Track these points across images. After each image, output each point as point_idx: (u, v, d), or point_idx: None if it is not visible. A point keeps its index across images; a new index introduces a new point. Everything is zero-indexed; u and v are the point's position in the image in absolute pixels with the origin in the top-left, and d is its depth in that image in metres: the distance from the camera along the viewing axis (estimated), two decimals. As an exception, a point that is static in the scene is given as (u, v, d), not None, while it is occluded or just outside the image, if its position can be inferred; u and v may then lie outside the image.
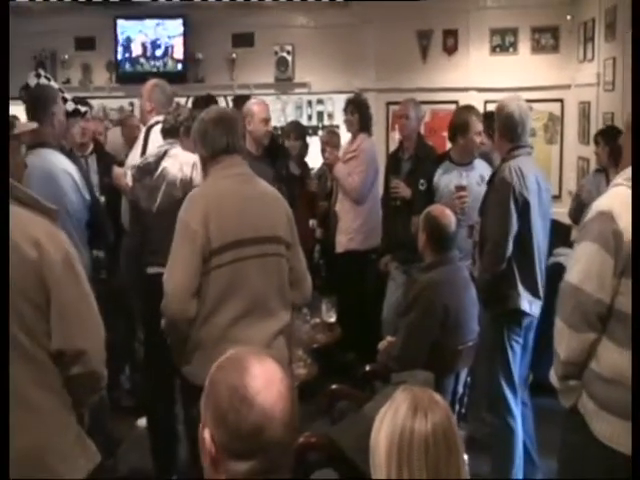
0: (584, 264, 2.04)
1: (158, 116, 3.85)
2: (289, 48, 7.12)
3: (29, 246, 1.84)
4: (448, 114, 6.46)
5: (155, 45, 7.37)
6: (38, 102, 3.35)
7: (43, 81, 4.05)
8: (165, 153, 3.47)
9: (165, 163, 3.43)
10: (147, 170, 3.44)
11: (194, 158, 3.35)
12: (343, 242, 5.02)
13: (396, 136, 5.85)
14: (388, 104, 6.77)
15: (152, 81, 4.08)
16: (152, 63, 7.38)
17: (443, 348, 3.14)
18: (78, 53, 7.53)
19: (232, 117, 2.77)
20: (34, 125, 2.37)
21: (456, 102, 6.32)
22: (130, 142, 5.17)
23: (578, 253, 2.11)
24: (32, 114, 3.28)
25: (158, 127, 3.68)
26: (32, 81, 4.03)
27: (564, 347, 2.08)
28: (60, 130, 3.44)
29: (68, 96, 4.20)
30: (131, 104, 7.34)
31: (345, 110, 5.10)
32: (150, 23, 7.36)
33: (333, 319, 3.91)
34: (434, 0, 6.49)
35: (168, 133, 3.53)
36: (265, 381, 1.28)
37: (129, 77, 7.33)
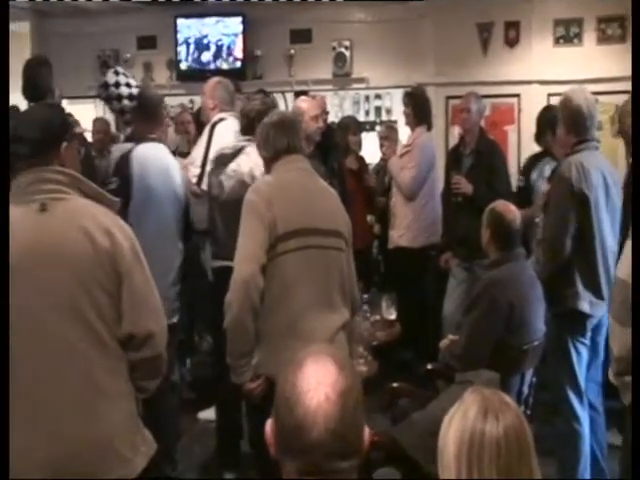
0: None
1: (221, 113, 3.89)
2: (347, 43, 7.08)
3: (102, 235, 1.92)
4: (509, 108, 6.39)
5: (214, 43, 7.44)
6: (150, 102, 3.53)
7: (122, 78, 4.13)
8: (242, 149, 3.52)
9: (239, 159, 3.50)
10: (222, 161, 3.53)
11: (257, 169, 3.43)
12: (394, 238, 4.99)
13: (456, 131, 5.78)
14: (448, 98, 6.67)
15: (215, 79, 4.13)
16: (211, 61, 7.46)
17: (508, 347, 3.07)
18: (140, 52, 7.66)
19: (292, 119, 2.84)
20: (85, 129, 2.47)
21: (518, 95, 6.18)
22: (181, 137, 5.24)
23: (627, 248, 2.07)
24: (144, 114, 3.44)
25: (222, 124, 3.73)
26: (111, 79, 4.11)
27: (616, 343, 2.07)
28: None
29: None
30: (191, 101, 7.43)
31: (403, 102, 5.06)
32: (209, 21, 7.43)
33: (393, 316, 3.87)
34: (495, -8, 6.37)
35: (245, 128, 3.57)
36: (314, 382, 1.25)
37: (189, 75, 7.43)
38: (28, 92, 3.77)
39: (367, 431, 1.32)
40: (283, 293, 2.51)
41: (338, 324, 2.60)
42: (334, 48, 7.10)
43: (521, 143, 6.27)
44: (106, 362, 1.93)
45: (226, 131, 3.83)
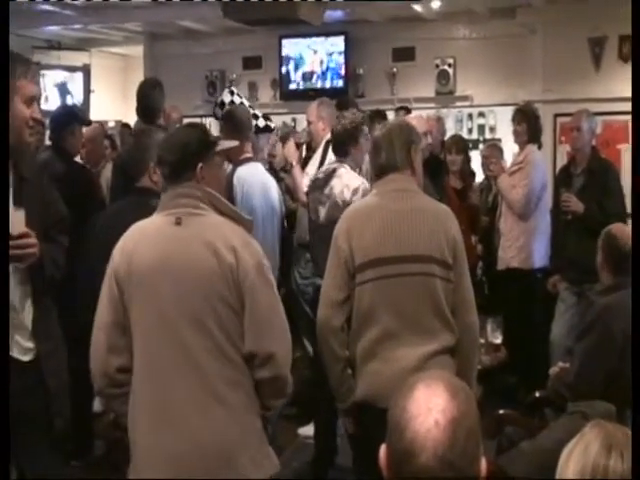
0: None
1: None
2: (450, 61, 7.01)
3: (228, 252, 1.97)
4: (623, 125, 6.11)
5: (317, 62, 7.54)
6: (241, 120, 3.62)
7: (236, 98, 4.26)
8: (333, 172, 3.55)
9: (332, 182, 3.53)
10: (317, 185, 3.56)
11: (358, 183, 3.44)
12: (505, 259, 4.83)
13: (565, 149, 5.57)
14: (556, 116, 6.46)
15: (317, 100, 4.16)
16: (314, 80, 7.55)
17: (623, 378, 2.89)
18: (245, 72, 7.87)
19: (391, 135, 2.70)
20: (236, 143, 2.53)
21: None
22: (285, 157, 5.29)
23: None
24: (236, 132, 3.53)
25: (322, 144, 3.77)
26: (226, 98, 4.26)
27: None
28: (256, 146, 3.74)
29: (259, 113, 4.37)
30: (293, 120, 7.54)
31: (513, 120, 4.91)
32: (313, 41, 7.54)
33: (499, 340, 3.74)
34: (608, 5, 6.12)
35: (336, 149, 3.59)
36: (425, 407, 1.22)
37: (292, 94, 7.55)
38: (140, 112, 3.92)
39: (484, 462, 1.26)
40: (363, 322, 2.50)
41: (430, 350, 2.50)
42: (437, 65, 7.03)
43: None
44: (228, 375, 1.97)
45: None
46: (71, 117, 4.12)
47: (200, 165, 2.07)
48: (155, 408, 1.97)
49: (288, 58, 7.62)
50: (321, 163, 3.92)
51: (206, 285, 1.96)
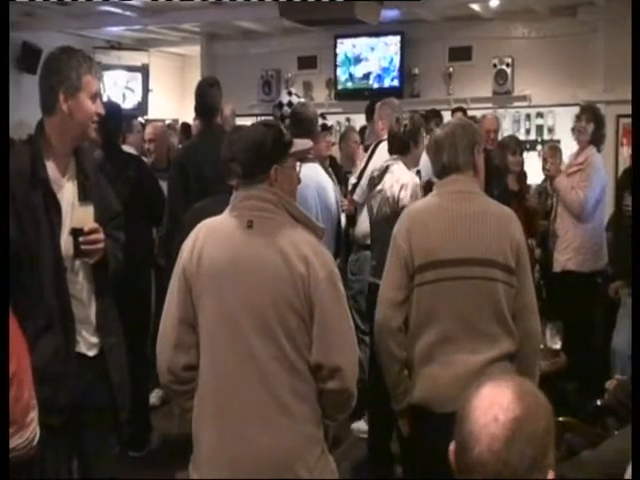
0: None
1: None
2: (508, 60, 6.89)
3: (299, 260, 1.92)
4: (689, 127, 5.90)
5: (373, 62, 7.51)
6: (310, 120, 3.60)
7: (294, 99, 4.27)
8: (387, 168, 3.54)
9: (385, 178, 3.53)
10: (372, 183, 3.58)
11: (407, 179, 3.45)
12: (561, 261, 4.71)
13: (626, 152, 5.42)
14: (618, 117, 6.29)
15: (382, 101, 4.13)
16: (369, 80, 7.52)
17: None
18: (300, 72, 7.90)
19: (459, 134, 2.65)
20: (311, 143, 2.48)
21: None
22: (346, 156, 5.29)
23: None
24: (304, 131, 3.52)
25: (384, 143, 3.73)
26: (284, 99, 4.27)
27: None
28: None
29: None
30: (348, 119, 7.53)
31: (579, 117, 4.76)
32: (368, 41, 7.51)
33: (558, 346, 3.65)
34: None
35: (395, 148, 3.57)
36: (487, 402, 1.22)
37: (347, 94, 7.54)
38: (199, 110, 3.95)
39: (551, 474, 1.23)
40: (421, 323, 2.45)
41: (491, 356, 2.44)
42: (495, 65, 6.93)
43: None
44: (292, 384, 1.93)
45: (384, 150, 3.85)
46: (119, 112, 4.16)
47: (275, 167, 2.02)
48: (219, 410, 1.96)
49: (343, 58, 7.61)
50: (367, 160, 3.92)
51: (276, 292, 1.92)
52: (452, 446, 1.28)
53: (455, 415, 2.28)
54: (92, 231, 2.23)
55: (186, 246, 2.06)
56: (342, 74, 7.63)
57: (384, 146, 3.83)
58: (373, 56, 7.49)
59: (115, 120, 3.86)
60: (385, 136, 3.92)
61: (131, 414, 2.53)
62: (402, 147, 3.58)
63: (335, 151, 5.83)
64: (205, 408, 1.99)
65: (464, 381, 2.31)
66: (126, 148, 4.28)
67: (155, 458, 3.80)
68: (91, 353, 2.34)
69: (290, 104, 4.26)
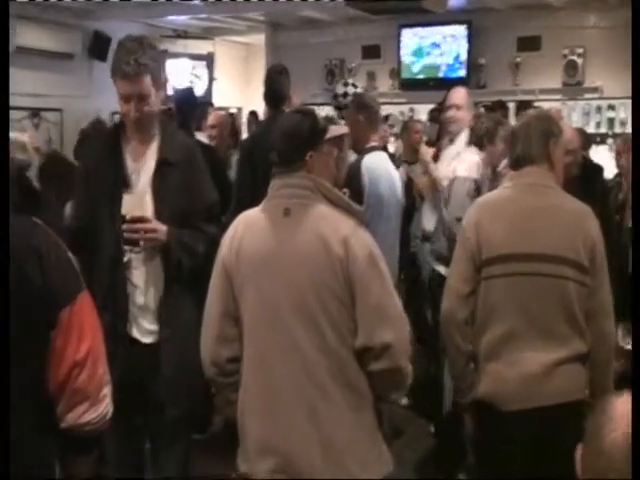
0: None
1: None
2: (580, 51, 6.70)
3: (337, 243, 1.91)
4: None
5: (438, 51, 7.41)
6: (370, 108, 3.59)
7: (350, 89, 4.25)
8: (457, 155, 3.53)
9: (453, 163, 3.57)
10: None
11: (469, 157, 3.44)
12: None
13: None
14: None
15: (464, 89, 4.02)
16: (434, 70, 7.42)
17: None
18: (364, 61, 7.86)
19: (534, 125, 2.57)
20: (346, 129, 2.45)
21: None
22: (408, 146, 5.23)
23: None
24: (364, 119, 3.51)
25: (465, 133, 3.68)
26: (340, 89, 4.25)
27: None
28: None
29: None
30: (411, 110, 7.45)
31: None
32: (434, 30, 7.41)
33: (629, 346, 3.54)
34: None
35: (472, 144, 3.54)
36: (620, 412, 1.18)
37: (411, 83, 7.46)
38: (268, 98, 3.96)
39: None
40: (487, 318, 2.39)
41: (560, 356, 2.36)
42: (565, 56, 6.75)
43: None
44: (337, 372, 1.92)
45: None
46: (195, 99, 4.22)
47: (310, 154, 2.00)
48: (264, 401, 1.96)
49: (407, 47, 7.53)
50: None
51: (316, 279, 1.90)
52: (579, 453, 1.24)
53: (521, 414, 2.25)
54: (134, 219, 2.23)
55: (225, 239, 2.06)
56: (406, 64, 7.55)
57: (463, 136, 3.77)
58: (438, 46, 7.39)
59: (189, 106, 3.91)
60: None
61: (197, 397, 2.54)
62: (477, 143, 3.55)
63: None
64: (250, 400, 1.98)
65: (531, 380, 2.26)
66: (200, 135, 4.33)
67: (218, 441, 3.84)
68: (146, 340, 2.35)
69: (346, 95, 4.24)
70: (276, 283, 1.94)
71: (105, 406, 1.54)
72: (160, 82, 2.28)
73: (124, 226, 2.24)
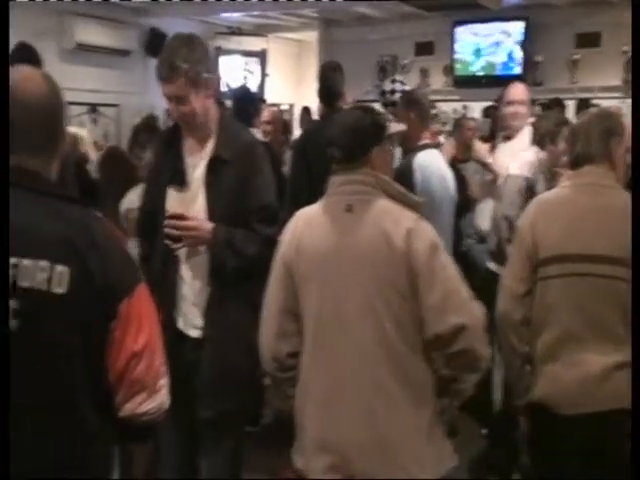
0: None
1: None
2: (641, 47, 6.51)
3: (400, 238, 1.90)
4: None
5: (493, 48, 7.30)
6: (421, 105, 3.56)
7: (397, 86, 4.22)
8: (516, 152, 3.49)
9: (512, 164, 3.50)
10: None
11: (526, 155, 3.38)
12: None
13: None
14: None
15: (522, 85, 3.94)
16: (489, 67, 7.32)
17: None
18: (417, 58, 7.80)
19: (595, 123, 2.52)
20: (404, 127, 2.44)
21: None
22: (461, 144, 5.16)
23: None
24: (416, 117, 3.49)
25: (527, 131, 3.63)
26: (387, 86, 4.23)
27: None
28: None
29: None
30: (464, 107, 7.37)
31: None
32: (489, 27, 7.30)
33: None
34: None
35: (534, 142, 3.49)
36: None
37: (465, 81, 7.37)
38: (322, 95, 3.97)
39: None
40: (544, 319, 2.35)
41: (620, 360, 2.29)
42: (625, 52, 6.56)
43: None
44: (397, 370, 1.91)
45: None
46: (252, 97, 4.26)
47: (373, 150, 2.00)
48: (322, 397, 1.96)
49: (462, 44, 7.44)
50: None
51: (378, 274, 1.90)
52: None
53: (578, 417, 2.20)
54: (175, 216, 2.25)
55: (285, 235, 2.06)
56: (460, 61, 7.46)
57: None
58: (494, 43, 7.28)
59: (246, 103, 3.96)
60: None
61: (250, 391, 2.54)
62: (539, 142, 3.49)
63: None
64: (309, 395, 1.98)
65: (590, 383, 2.21)
66: (254, 131, 4.36)
67: (269, 433, 3.88)
68: (193, 333, 2.35)
69: (393, 92, 4.21)
70: (338, 279, 1.94)
71: (162, 397, 1.56)
72: (200, 82, 2.24)
73: (165, 222, 2.26)
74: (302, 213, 2.09)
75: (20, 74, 1.52)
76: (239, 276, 2.31)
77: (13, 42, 4.37)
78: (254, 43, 8.39)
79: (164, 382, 1.57)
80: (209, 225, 2.28)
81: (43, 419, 1.44)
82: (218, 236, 2.27)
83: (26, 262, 1.41)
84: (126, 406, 1.51)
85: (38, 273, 1.41)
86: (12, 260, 1.41)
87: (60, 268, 1.41)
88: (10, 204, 1.44)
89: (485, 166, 3.81)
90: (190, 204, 2.32)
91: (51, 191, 1.50)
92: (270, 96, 7.86)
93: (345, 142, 2.01)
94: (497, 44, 7.26)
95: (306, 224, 2.03)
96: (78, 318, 1.44)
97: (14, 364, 1.40)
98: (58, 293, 1.41)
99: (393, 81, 4.43)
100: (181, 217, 2.25)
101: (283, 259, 2.03)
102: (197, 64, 2.24)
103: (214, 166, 2.30)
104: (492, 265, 3.52)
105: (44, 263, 1.41)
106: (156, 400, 1.54)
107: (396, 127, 2.17)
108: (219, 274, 2.31)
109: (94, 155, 4.06)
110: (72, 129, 3.67)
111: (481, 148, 4.02)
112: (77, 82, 6.08)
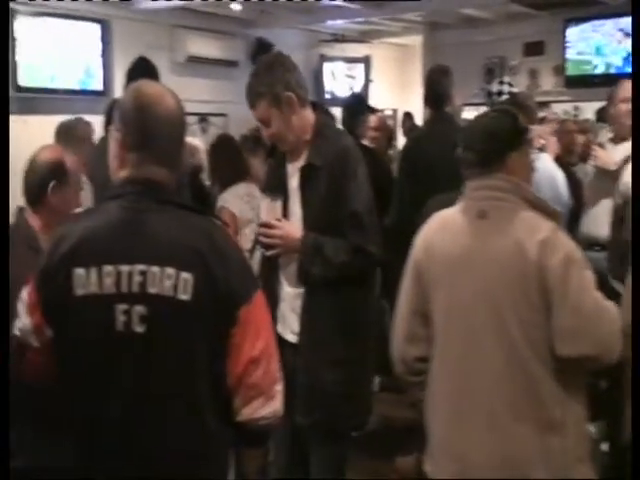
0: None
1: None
2: None
3: (534, 248, 1.81)
4: None
5: (609, 46, 6.99)
6: (529, 107, 3.46)
7: (505, 88, 4.12)
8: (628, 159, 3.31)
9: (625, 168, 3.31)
10: (614, 175, 3.34)
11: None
12: None
13: None
14: None
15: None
16: (602, 65, 7.01)
17: None
18: (526, 59, 7.58)
19: None
20: (542, 129, 2.37)
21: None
22: (565, 146, 4.95)
23: None
24: (523, 120, 3.39)
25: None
26: (494, 88, 4.13)
27: None
28: None
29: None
30: (576, 108, 7.09)
31: None
32: (602, 24, 6.99)
33: None
34: None
35: None
36: None
37: (577, 81, 7.09)
38: (429, 99, 3.91)
39: None
40: None
41: None
42: None
43: None
44: (525, 385, 1.81)
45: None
46: (362, 104, 4.27)
47: (511, 154, 1.93)
48: (449, 406, 1.92)
49: (574, 43, 7.16)
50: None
51: (510, 284, 1.82)
52: None
53: None
54: (264, 224, 2.32)
55: (418, 239, 2.04)
56: (572, 60, 7.18)
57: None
58: (609, 40, 6.96)
59: (356, 111, 3.99)
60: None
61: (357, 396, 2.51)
62: None
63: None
64: (436, 401, 1.96)
65: None
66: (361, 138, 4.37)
67: (374, 440, 3.86)
68: (291, 338, 2.36)
69: (500, 93, 4.10)
70: (468, 286, 1.89)
71: (277, 402, 1.58)
72: (280, 101, 2.26)
73: (258, 229, 2.38)
74: (437, 216, 2.05)
75: (152, 88, 1.59)
76: (327, 283, 2.30)
77: (129, 56, 4.61)
78: (358, 49, 8.41)
79: (279, 388, 1.59)
80: (297, 233, 2.30)
81: (167, 419, 1.48)
82: (306, 244, 2.28)
83: (154, 269, 1.46)
84: (243, 410, 1.54)
85: (165, 280, 1.46)
86: (141, 267, 1.46)
87: (185, 275, 1.46)
88: (136, 213, 1.50)
89: (605, 172, 3.62)
90: (288, 212, 2.36)
91: (174, 200, 1.55)
92: (373, 102, 7.85)
93: (482, 146, 1.95)
94: (614, 42, 6.93)
95: (439, 228, 2.00)
96: (201, 324, 1.48)
97: (140, 366, 1.46)
98: (183, 300, 1.46)
99: (501, 83, 4.32)
100: (270, 225, 2.31)
101: (415, 262, 2.01)
102: (275, 85, 2.26)
103: (307, 173, 2.32)
104: (615, 283, 3.30)
105: (171, 270, 1.46)
106: (272, 405, 1.56)
107: (537, 130, 2.08)
108: (307, 281, 2.33)
109: (206, 164, 4.20)
110: (188, 139, 3.79)
111: (598, 151, 3.82)
112: (187, 93, 6.23)
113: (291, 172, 2.38)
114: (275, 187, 2.40)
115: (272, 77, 2.28)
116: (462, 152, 2.00)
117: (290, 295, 2.37)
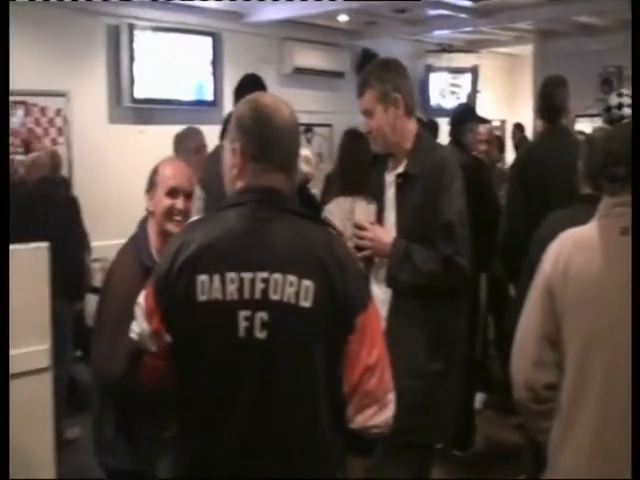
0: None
1: None
2: None
3: None
4: None
5: None
6: None
7: (625, 100, 3.90)
8: None
9: None
10: None
11: None
12: None
13: None
14: None
15: None
16: None
17: None
18: (647, 67, 7.21)
19: None
20: None
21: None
22: None
23: None
24: None
25: None
26: (613, 101, 3.92)
27: None
28: None
29: None
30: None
31: None
32: None
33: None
34: None
35: None
36: None
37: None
38: (544, 110, 3.77)
39: None
40: None
41: None
42: None
43: None
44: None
45: None
46: (471, 114, 4.20)
47: None
48: (589, 439, 1.76)
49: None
50: None
51: None
52: None
53: None
54: (357, 226, 2.38)
55: (548, 257, 1.89)
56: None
57: None
58: None
59: (463, 121, 3.94)
60: None
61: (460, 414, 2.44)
62: None
63: None
64: (571, 432, 1.80)
65: None
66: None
67: (478, 460, 3.77)
68: None
69: (620, 106, 3.85)
70: (609, 309, 1.76)
71: (390, 411, 1.56)
72: (387, 99, 2.31)
73: (352, 231, 2.42)
74: (570, 234, 1.91)
75: (269, 99, 1.63)
76: (415, 292, 2.30)
77: (239, 67, 4.69)
78: (465, 59, 8.28)
79: (392, 397, 1.57)
80: (388, 238, 2.32)
81: (289, 426, 1.49)
82: (396, 249, 2.29)
83: (276, 276, 1.47)
84: (357, 418, 1.53)
85: (287, 287, 1.47)
86: (263, 274, 1.48)
87: (306, 283, 1.47)
88: (257, 221, 1.52)
89: None
90: (383, 219, 2.40)
91: (294, 209, 1.57)
92: (481, 112, 7.70)
93: (627, 160, 1.80)
94: None
95: (575, 246, 1.86)
96: (320, 331, 1.49)
97: (262, 372, 1.47)
98: (304, 307, 1.47)
99: (620, 95, 4.09)
100: (362, 227, 2.37)
101: (546, 281, 1.87)
102: (386, 82, 2.33)
103: (404, 182, 2.34)
104: None
105: (292, 278, 1.47)
106: (385, 414, 1.55)
107: None
108: (394, 286, 2.33)
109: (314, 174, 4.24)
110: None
111: None
112: (294, 104, 6.33)
113: (389, 180, 2.42)
114: (373, 194, 2.46)
115: (385, 75, 2.35)
116: (610, 168, 1.87)
117: (378, 300, 2.30)
